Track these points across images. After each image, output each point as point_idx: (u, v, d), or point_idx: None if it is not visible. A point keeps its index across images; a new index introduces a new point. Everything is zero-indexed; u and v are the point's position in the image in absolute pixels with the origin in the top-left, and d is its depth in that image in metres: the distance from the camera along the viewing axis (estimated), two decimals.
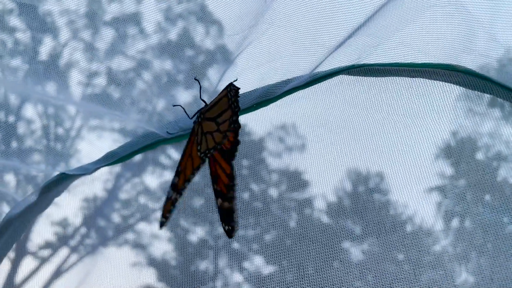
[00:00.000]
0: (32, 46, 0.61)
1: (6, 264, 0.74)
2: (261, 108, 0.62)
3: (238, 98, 0.50)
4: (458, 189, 0.52)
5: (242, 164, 0.66)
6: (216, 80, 0.61)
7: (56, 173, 0.67)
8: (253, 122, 0.65)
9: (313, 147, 0.60)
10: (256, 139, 0.66)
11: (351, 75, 0.58)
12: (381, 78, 0.57)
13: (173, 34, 0.61)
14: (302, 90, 0.60)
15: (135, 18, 0.60)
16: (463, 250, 0.50)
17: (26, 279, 0.73)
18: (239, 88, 0.50)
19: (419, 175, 0.53)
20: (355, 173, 0.60)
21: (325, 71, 0.58)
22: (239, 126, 0.49)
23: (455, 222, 0.52)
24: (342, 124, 0.59)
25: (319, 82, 0.59)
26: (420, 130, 0.54)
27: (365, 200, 0.57)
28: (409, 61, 0.55)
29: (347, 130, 0.58)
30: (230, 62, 0.58)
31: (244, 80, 0.60)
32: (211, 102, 0.51)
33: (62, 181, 0.67)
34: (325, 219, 0.59)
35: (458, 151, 0.53)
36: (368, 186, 0.59)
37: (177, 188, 0.49)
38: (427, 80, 0.55)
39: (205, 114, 0.50)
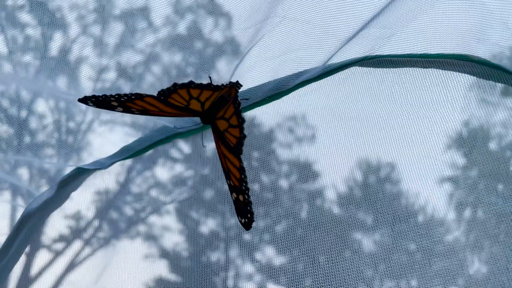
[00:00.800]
0: (43, 42, 0.62)
1: (22, 257, 0.75)
2: (272, 102, 0.62)
3: (247, 92, 0.51)
4: (470, 179, 0.52)
5: (252, 155, 0.66)
6: (225, 72, 0.61)
7: (72, 168, 0.68)
8: (263, 114, 0.65)
9: (324, 138, 0.60)
10: (266, 131, 0.66)
11: (364, 66, 0.58)
12: (394, 69, 0.57)
13: (182, 27, 0.61)
14: (315, 82, 0.60)
15: (144, 12, 0.60)
16: (476, 239, 0.50)
17: (41, 272, 0.74)
18: (241, 85, 0.51)
19: (431, 165, 0.53)
20: (366, 163, 0.59)
21: (337, 63, 0.58)
22: (243, 120, 0.50)
23: (467, 212, 0.51)
24: (355, 115, 0.59)
25: (332, 74, 0.59)
26: (433, 121, 0.54)
27: (376, 190, 0.57)
28: (422, 52, 0.55)
29: (360, 121, 0.58)
30: (242, 56, 0.58)
31: (257, 73, 0.60)
32: (203, 87, 0.50)
33: (78, 176, 0.68)
34: (336, 209, 0.59)
35: (470, 141, 0.53)
36: (379, 176, 0.58)
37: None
38: (440, 70, 0.54)
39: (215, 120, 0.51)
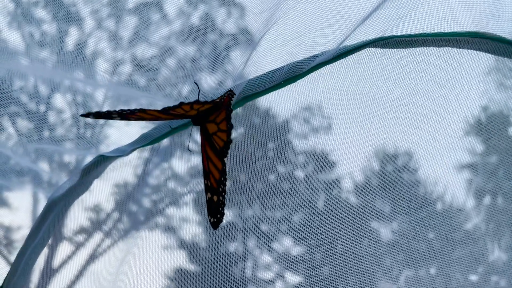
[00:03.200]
0: (59, 36, 0.62)
1: (44, 249, 0.77)
2: (288, 86, 0.62)
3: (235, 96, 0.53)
4: (490, 166, 0.51)
5: (268, 146, 0.66)
6: (239, 63, 0.61)
7: (94, 156, 0.69)
8: (278, 104, 0.65)
9: (340, 121, 0.60)
10: (281, 121, 0.66)
11: (378, 47, 0.58)
12: (408, 49, 0.56)
13: (195, 18, 0.61)
14: (329, 65, 0.60)
15: (157, 4, 0.60)
16: (495, 227, 0.49)
17: (63, 263, 0.76)
18: (235, 94, 0.55)
19: (449, 151, 0.52)
20: (382, 151, 0.59)
21: (352, 44, 0.58)
22: (232, 126, 0.54)
23: (487, 199, 0.51)
24: (370, 96, 0.58)
25: (346, 56, 0.59)
26: (449, 99, 0.53)
27: (393, 179, 0.56)
28: (436, 31, 0.54)
29: (375, 102, 0.58)
30: (257, 40, 0.59)
31: (272, 58, 0.60)
32: (205, 103, 0.54)
33: (100, 163, 0.69)
34: (353, 199, 0.59)
35: (489, 127, 0.52)
36: (397, 164, 0.58)
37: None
38: (455, 49, 0.54)
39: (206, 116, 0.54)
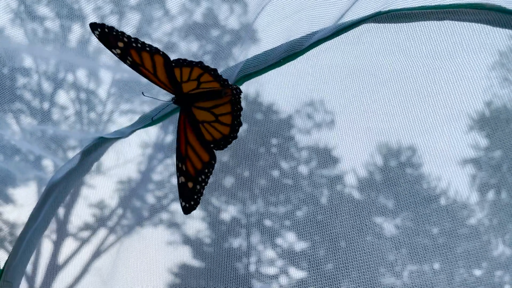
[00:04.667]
0: (62, 34, 0.63)
1: (49, 245, 0.77)
2: (288, 64, 0.61)
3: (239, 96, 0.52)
4: (494, 160, 0.51)
5: (271, 142, 0.66)
6: (242, 58, 0.61)
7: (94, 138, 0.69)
8: (281, 99, 0.65)
9: (341, 103, 0.60)
10: (284, 117, 0.66)
11: (378, 22, 0.57)
12: (408, 23, 0.55)
13: (197, 14, 0.61)
14: (329, 41, 0.59)
15: (159, 0, 0.60)
16: (499, 222, 0.49)
17: (68, 260, 0.76)
18: (241, 92, 0.52)
19: (452, 147, 0.52)
20: (386, 146, 0.59)
21: (351, 20, 0.57)
22: (240, 123, 0.52)
23: (491, 194, 0.51)
24: (371, 72, 0.57)
25: (345, 32, 0.58)
26: (450, 71, 0.52)
27: (397, 174, 0.56)
28: (436, 3, 0.53)
29: (376, 78, 0.57)
30: (255, 16, 0.58)
31: (270, 35, 0.59)
32: (199, 90, 0.51)
33: (100, 145, 0.68)
34: (356, 194, 0.59)
35: (493, 121, 0.51)
36: (400, 160, 0.58)
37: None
38: (456, 22, 0.53)
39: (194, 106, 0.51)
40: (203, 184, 0.52)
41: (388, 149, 0.59)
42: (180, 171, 0.52)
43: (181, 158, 0.52)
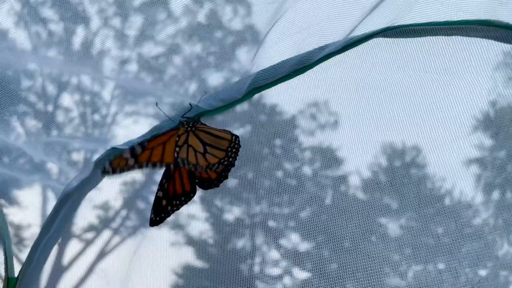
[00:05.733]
0: (66, 36, 0.63)
1: (54, 246, 0.77)
2: (297, 78, 0.61)
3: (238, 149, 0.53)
4: (498, 160, 0.51)
5: (275, 143, 0.66)
6: (246, 60, 0.61)
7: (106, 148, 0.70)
8: (286, 98, 0.65)
9: (348, 116, 0.60)
10: (288, 118, 0.66)
11: (387, 37, 0.57)
12: (417, 38, 0.56)
13: (201, 16, 0.61)
14: (338, 55, 0.60)
15: (163, 2, 0.60)
16: (504, 221, 0.49)
17: (73, 261, 0.76)
18: (240, 147, 0.53)
19: (457, 147, 0.52)
20: (390, 147, 0.59)
21: (360, 34, 0.58)
22: (226, 177, 0.54)
23: (496, 194, 0.51)
24: (379, 86, 0.58)
25: (355, 46, 0.59)
26: (458, 86, 0.53)
27: (401, 175, 0.56)
28: (445, 20, 0.54)
29: (384, 92, 0.58)
30: (264, 33, 0.58)
31: (280, 49, 0.60)
32: (210, 127, 0.53)
33: (112, 155, 0.69)
34: (360, 195, 0.59)
35: (497, 122, 0.51)
36: (404, 160, 0.58)
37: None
38: (464, 37, 0.53)
39: (197, 129, 0.53)
40: (174, 208, 0.55)
41: (393, 149, 0.59)
42: (161, 186, 0.54)
43: (167, 176, 0.55)
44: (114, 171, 0.50)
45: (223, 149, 0.51)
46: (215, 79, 0.64)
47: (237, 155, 0.52)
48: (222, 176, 0.54)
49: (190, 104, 0.58)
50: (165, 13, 0.60)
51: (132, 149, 0.51)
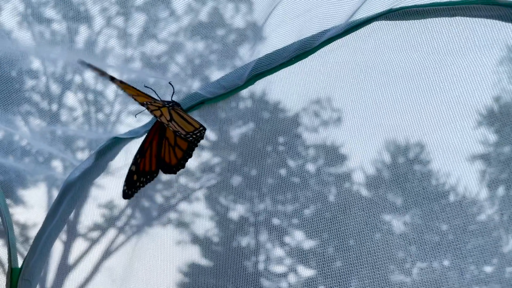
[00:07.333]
0: (69, 36, 0.63)
1: (60, 245, 0.78)
2: (299, 63, 0.61)
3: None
4: (503, 156, 0.50)
5: (278, 141, 0.66)
6: (248, 56, 0.61)
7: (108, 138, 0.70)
8: (289, 97, 0.65)
9: (352, 102, 0.59)
10: (291, 115, 0.66)
11: (389, 20, 0.57)
12: (419, 20, 0.55)
13: (203, 14, 0.61)
14: (340, 39, 0.59)
15: (165, 1, 0.60)
16: (510, 217, 0.49)
17: (78, 260, 0.77)
18: (202, 139, 0.55)
19: (461, 142, 0.52)
20: (393, 143, 0.59)
21: (362, 18, 0.57)
22: (183, 166, 0.58)
23: (500, 190, 0.50)
24: (382, 69, 0.57)
25: (356, 30, 0.58)
26: (461, 67, 0.52)
27: (405, 171, 0.56)
28: (447, 0, 0.53)
29: (387, 75, 0.57)
30: (266, 16, 0.58)
31: (281, 34, 0.60)
32: (186, 113, 0.54)
33: (115, 145, 0.70)
34: (364, 191, 0.59)
35: (501, 117, 0.51)
36: (408, 156, 0.58)
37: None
38: (467, 18, 0.53)
39: (173, 109, 0.53)
40: (141, 185, 0.57)
41: (396, 146, 0.58)
42: (134, 161, 0.57)
43: (141, 153, 0.57)
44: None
45: (185, 130, 0.53)
46: (217, 77, 0.64)
47: (196, 145, 0.56)
48: (180, 165, 0.57)
49: (170, 83, 0.59)
50: (167, 11, 0.60)
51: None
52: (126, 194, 0.57)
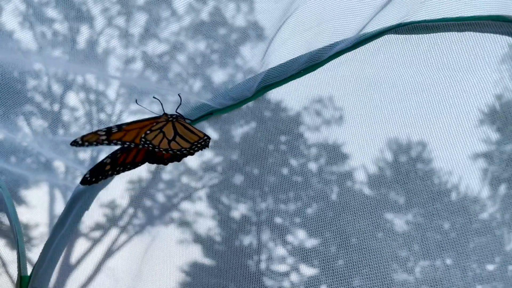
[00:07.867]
0: (71, 36, 0.63)
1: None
2: (307, 75, 0.61)
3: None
4: (505, 154, 0.50)
5: (280, 140, 0.66)
6: (250, 56, 0.61)
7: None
8: (294, 99, 0.65)
9: (359, 113, 0.60)
10: (292, 114, 0.66)
11: (399, 34, 0.57)
12: (429, 34, 0.55)
13: (205, 13, 0.61)
14: (348, 53, 0.59)
15: (166, 0, 0.60)
16: None
17: (81, 259, 0.77)
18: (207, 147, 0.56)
19: (463, 141, 0.52)
20: (396, 142, 0.59)
21: (371, 31, 0.57)
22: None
23: (503, 188, 0.50)
24: (391, 83, 0.57)
25: (366, 43, 0.58)
26: (472, 84, 0.52)
27: (407, 170, 0.56)
28: (457, 15, 0.53)
29: (396, 89, 0.57)
30: (276, 30, 0.58)
31: (291, 46, 0.60)
32: (190, 124, 0.56)
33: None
34: (367, 190, 0.59)
35: (504, 115, 0.51)
36: (410, 155, 0.58)
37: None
38: (477, 33, 0.53)
39: (177, 121, 0.55)
40: (115, 173, 0.57)
41: (398, 144, 0.58)
42: (113, 156, 0.57)
43: (124, 150, 0.57)
44: (82, 144, 0.52)
45: (189, 142, 0.54)
46: (219, 76, 0.64)
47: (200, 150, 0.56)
48: (176, 159, 0.57)
49: (179, 95, 0.60)
50: (169, 10, 0.60)
51: (108, 128, 0.53)
52: (87, 181, 0.56)
